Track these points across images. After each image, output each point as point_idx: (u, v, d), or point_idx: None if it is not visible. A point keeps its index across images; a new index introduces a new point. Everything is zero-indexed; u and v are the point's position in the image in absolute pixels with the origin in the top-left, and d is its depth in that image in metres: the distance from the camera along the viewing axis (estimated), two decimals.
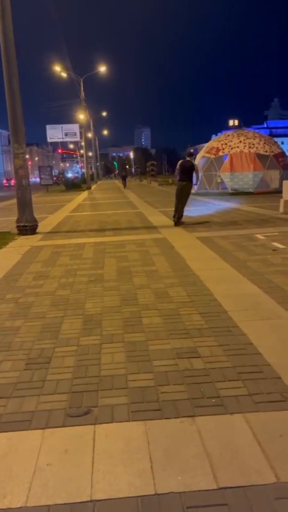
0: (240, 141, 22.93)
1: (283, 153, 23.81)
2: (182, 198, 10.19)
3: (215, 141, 24.68)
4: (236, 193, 21.87)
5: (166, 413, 2.36)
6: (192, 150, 13.95)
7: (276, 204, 14.86)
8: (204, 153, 24.44)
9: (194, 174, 10.28)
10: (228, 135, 24.28)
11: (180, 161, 10.40)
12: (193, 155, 11.33)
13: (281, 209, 11.23)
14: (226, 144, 23.23)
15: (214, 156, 23.22)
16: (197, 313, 3.93)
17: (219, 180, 23.01)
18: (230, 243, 7.37)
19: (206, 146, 25.24)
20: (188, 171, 10.18)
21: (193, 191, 25.21)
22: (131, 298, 4.46)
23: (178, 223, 10.01)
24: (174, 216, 10.14)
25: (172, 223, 10.15)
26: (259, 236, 7.90)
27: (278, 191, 22.22)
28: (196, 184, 10.10)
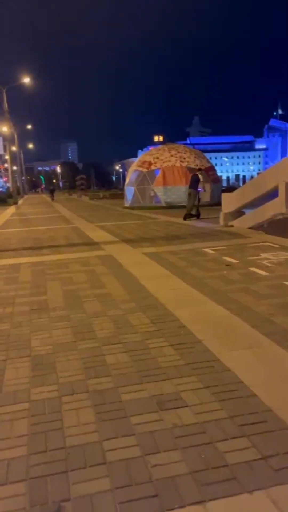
0: (172, 155, 23.13)
1: (212, 167, 24.47)
2: (189, 200, 14.22)
3: (147, 155, 24.68)
4: (170, 206, 21.92)
5: (167, 501, 1.75)
6: (201, 167, 19.96)
7: (211, 217, 14.96)
8: (136, 166, 24.32)
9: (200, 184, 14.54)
10: (159, 149, 24.43)
11: (191, 175, 15.18)
12: (201, 169, 16.88)
13: (221, 221, 11.16)
14: (158, 158, 23.30)
15: (146, 170, 23.16)
16: (168, 345, 3.37)
17: (152, 194, 22.95)
18: (180, 259, 6.96)
19: (138, 159, 25.18)
20: (194, 182, 14.28)
21: (126, 205, 25.07)
22: (87, 330, 3.79)
23: (185, 218, 13.81)
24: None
25: (114, 238, 9.75)
26: (208, 251, 7.60)
27: (210, 204, 22.73)
28: (200, 190, 14.84)
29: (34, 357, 3.26)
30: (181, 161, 22.78)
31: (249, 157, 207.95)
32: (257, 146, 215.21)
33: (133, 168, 24.84)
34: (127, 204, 24.61)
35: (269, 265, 6.18)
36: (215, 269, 6.09)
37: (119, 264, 6.72)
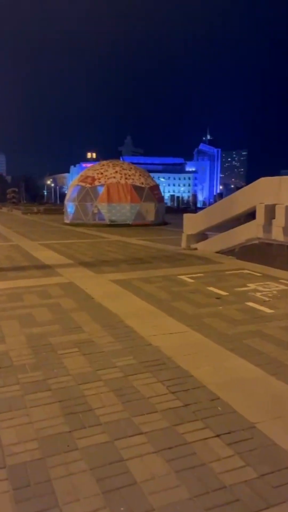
0: (116, 172, 22.29)
1: (157, 186, 24.01)
2: None
3: (90, 170, 23.60)
4: (115, 225, 20.95)
5: None
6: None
7: (163, 238, 14.27)
8: (79, 181, 23.10)
9: None
10: (103, 165, 23.48)
11: None
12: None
13: (183, 244, 10.36)
14: (102, 173, 22.32)
15: (90, 185, 22.04)
16: (213, 435, 2.31)
17: (95, 211, 21.83)
18: (158, 289, 5.94)
19: (80, 174, 24.00)
20: None
21: (67, 221, 23.69)
22: (82, 408, 2.60)
23: None
24: None
25: (68, 260, 8.51)
26: (185, 278, 6.66)
27: (154, 224, 22.16)
28: None
29: (12, 470, 2.02)
30: (126, 178, 21.99)
31: (180, 179, 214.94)
32: (188, 169, 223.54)
33: (75, 183, 23.58)
34: (67, 221, 23.20)
35: (266, 299, 5.37)
36: (207, 304, 5.14)
37: (87, 295, 5.54)
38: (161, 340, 3.81)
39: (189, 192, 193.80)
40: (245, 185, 9.68)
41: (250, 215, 8.57)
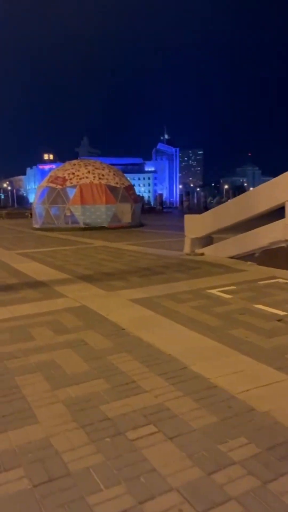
0: (89, 171, 20.92)
1: (132, 186, 22.86)
2: None
3: (59, 170, 22.07)
4: (90, 228, 19.61)
5: None
6: None
7: (153, 241, 13.21)
8: (48, 183, 21.52)
9: None
10: (74, 164, 22.04)
11: None
12: None
13: (187, 249, 9.26)
14: (73, 174, 20.88)
15: (61, 187, 20.54)
16: None
17: (68, 213, 20.36)
18: (196, 310, 4.79)
19: (50, 175, 22.39)
20: None
21: (36, 226, 22.10)
22: None
23: None
24: None
25: (63, 274, 7.21)
26: (218, 293, 5.56)
27: (131, 226, 21.02)
28: None
29: None
30: (99, 178, 20.67)
31: (139, 179, 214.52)
32: (147, 168, 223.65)
33: (44, 185, 21.97)
34: (37, 225, 21.57)
35: None
36: (274, 330, 4.05)
37: (114, 325, 4.30)
38: (263, 399, 2.67)
39: (149, 192, 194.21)
40: (203, 184, 8.64)
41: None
